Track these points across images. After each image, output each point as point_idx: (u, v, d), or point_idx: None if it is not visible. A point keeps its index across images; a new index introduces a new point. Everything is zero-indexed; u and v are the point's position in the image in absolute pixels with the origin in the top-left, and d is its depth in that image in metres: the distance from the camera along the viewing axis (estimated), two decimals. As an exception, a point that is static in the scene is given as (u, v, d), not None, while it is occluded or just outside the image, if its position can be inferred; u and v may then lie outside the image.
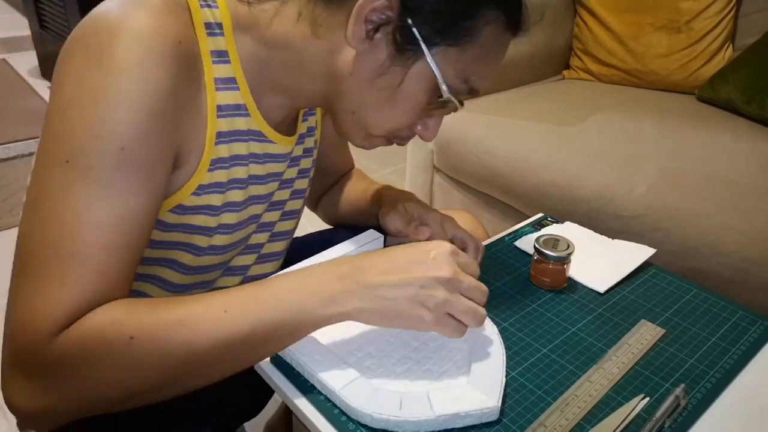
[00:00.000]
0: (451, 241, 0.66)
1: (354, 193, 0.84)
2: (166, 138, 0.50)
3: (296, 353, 0.54)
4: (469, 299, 0.52)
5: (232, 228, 0.62)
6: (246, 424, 0.86)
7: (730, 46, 1.54)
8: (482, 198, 1.47)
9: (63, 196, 0.47)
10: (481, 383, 0.52)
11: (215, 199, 0.58)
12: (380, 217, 0.72)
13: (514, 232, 0.81)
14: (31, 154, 2.16)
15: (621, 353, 0.59)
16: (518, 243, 0.77)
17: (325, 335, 0.57)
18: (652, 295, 0.68)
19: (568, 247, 0.67)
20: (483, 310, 0.52)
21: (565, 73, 1.77)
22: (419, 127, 0.61)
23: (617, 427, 0.51)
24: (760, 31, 1.46)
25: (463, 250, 0.67)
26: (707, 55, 1.52)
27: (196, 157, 0.55)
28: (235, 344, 0.48)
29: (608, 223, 1.15)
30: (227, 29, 0.55)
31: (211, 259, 0.63)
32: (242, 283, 0.67)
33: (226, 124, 0.56)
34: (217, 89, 0.55)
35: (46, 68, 2.77)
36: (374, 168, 2.33)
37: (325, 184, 0.88)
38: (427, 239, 0.67)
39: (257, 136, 0.60)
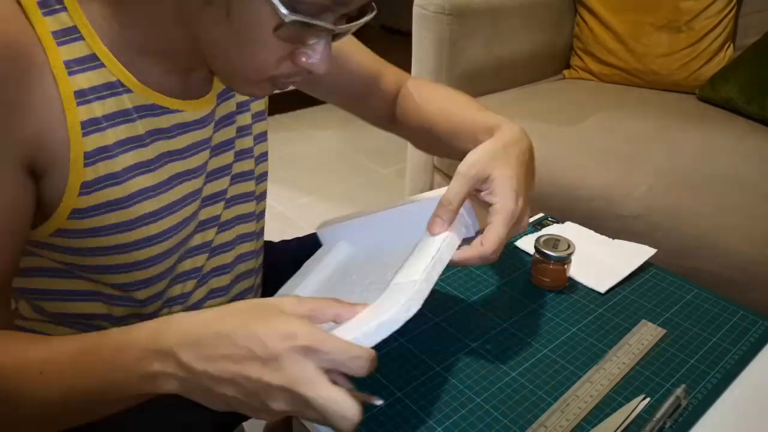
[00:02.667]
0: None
1: (439, 113, 0.70)
2: None
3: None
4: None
5: (157, 215, 0.56)
6: (244, 424, 0.86)
7: (731, 45, 1.54)
8: (482, 198, 1.46)
9: None
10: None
11: (115, 192, 0.52)
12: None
13: (514, 232, 0.81)
14: None
15: (621, 354, 0.59)
16: (518, 243, 0.77)
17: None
18: (653, 296, 0.68)
19: (569, 247, 0.67)
20: (346, 417, 0.40)
21: (566, 72, 1.77)
22: (302, 59, 0.50)
23: (618, 428, 0.51)
24: (760, 31, 1.46)
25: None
26: (708, 55, 1.52)
27: (63, 158, 0.49)
28: (54, 407, 0.46)
29: (608, 223, 1.15)
30: (69, 1, 0.48)
31: (149, 272, 0.58)
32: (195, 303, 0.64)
33: (97, 109, 0.50)
34: (71, 73, 0.48)
35: None
36: (374, 168, 2.33)
37: (381, 102, 0.78)
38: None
39: (152, 110, 0.54)
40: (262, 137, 0.68)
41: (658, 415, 0.51)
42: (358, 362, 0.41)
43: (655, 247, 0.74)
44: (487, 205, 0.57)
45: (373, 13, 0.51)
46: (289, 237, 0.89)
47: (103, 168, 0.51)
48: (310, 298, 0.47)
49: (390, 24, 4.09)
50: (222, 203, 0.64)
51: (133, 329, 0.45)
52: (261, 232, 0.73)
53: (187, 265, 0.62)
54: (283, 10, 0.44)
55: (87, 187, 0.50)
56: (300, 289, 0.63)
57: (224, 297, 0.67)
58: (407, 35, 1.54)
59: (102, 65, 0.50)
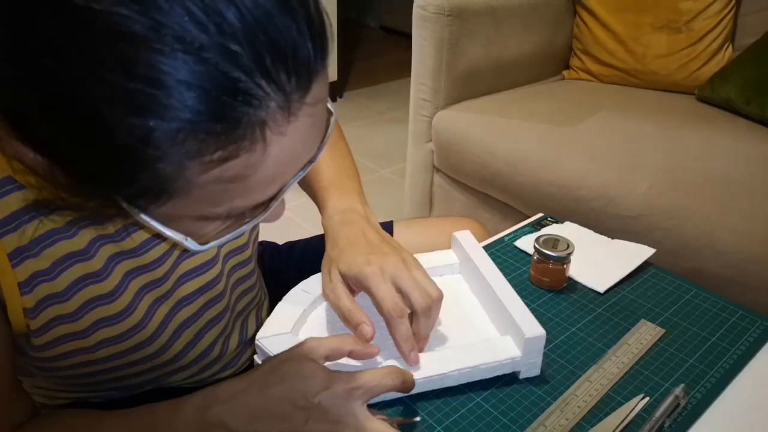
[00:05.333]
0: (399, 291, 0.54)
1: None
2: None
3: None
4: None
5: (114, 319, 0.52)
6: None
7: (730, 46, 1.54)
8: (482, 198, 1.47)
9: None
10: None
11: (63, 308, 0.49)
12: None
13: (514, 232, 0.81)
14: None
15: (621, 353, 0.59)
16: (518, 243, 0.78)
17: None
18: (652, 295, 0.68)
19: (568, 247, 0.67)
20: None
21: (565, 73, 1.77)
22: (245, 228, 0.42)
23: (617, 427, 0.51)
24: (760, 31, 1.46)
25: (409, 306, 0.54)
26: (707, 55, 1.52)
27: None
28: None
29: (608, 223, 1.15)
30: None
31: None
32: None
33: (24, 234, 0.45)
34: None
35: None
36: (374, 168, 2.33)
37: None
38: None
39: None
40: None
41: (657, 414, 0.51)
42: (390, 378, 0.47)
43: (654, 247, 0.74)
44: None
45: None
46: (290, 237, 0.89)
47: (43, 290, 0.48)
48: (327, 337, 0.51)
49: (390, 24, 4.09)
50: (215, 267, 0.60)
51: (181, 405, 0.47)
52: (254, 257, 0.69)
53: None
54: (198, 248, 0.39)
55: (30, 313, 0.47)
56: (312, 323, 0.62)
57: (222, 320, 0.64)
58: (407, 35, 1.54)
59: (21, 187, 0.44)
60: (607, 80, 1.66)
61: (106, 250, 0.51)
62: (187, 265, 0.57)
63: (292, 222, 1.92)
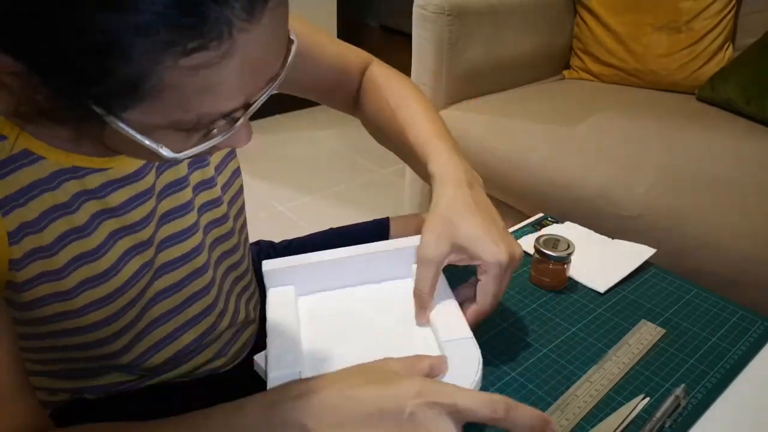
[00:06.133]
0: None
1: (387, 125, 0.69)
2: None
3: (273, 329, 0.53)
4: None
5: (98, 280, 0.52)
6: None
7: (730, 46, 1.54)
8: (482, 198, 1.47)
9: None
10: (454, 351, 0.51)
11: (49, 264, 0.49)
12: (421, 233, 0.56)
13: (514, 232, 0.81)
14: None
15: (621, 353, 0.59)
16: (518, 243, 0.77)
17: (315, 323, 0.57)
18: (652, 295, 0.68)
19: (568, 247, 0.67)
20: None
21: (566, 73, 1.77)
22: (218, 143, 0.42)
23: (617, 427, 0.51)
24: (760, 31, 1.46)
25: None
26: (707, 55, 1.52)
27: None
28: None
29: (608, 223, 1.15)
30: None
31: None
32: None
33: (9, 185, 0.46)
34: None
35: None
36: (374, 168, 2.33)
37: (348, 91, 0.74)
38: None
39: (71, 173, 0.49)
40: (229, 157, 0.65)
41: (658, 414, 0.51)
42: (490, 406, 0.40)
43: (655, 247, 0.74)
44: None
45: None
46: (288, 237, 0.89)
47: (30, 242, 0.47)
48: (406, 357, 0.47)
49: (390, 24, 4.09)
50: (196, 235, 0.60)
51: (241, 407, 0.43)
52: (243, 238, 0.69)
53: (156, 312, 0.59)
54: (172, 155, 0.40)
55: (15, 264, 0.47)
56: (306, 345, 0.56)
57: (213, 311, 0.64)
58: (407, 35, 1.54)
59: (3, 137, 0.45)
60: (608, 80, 1.66)
61: (90, 206, 0.51)
62: (168, 229, 0.58)
63: (290, 221, 1.92)
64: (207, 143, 0.41)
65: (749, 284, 0.99)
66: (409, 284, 0.58)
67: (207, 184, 0.62)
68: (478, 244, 0.52)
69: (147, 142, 0.38)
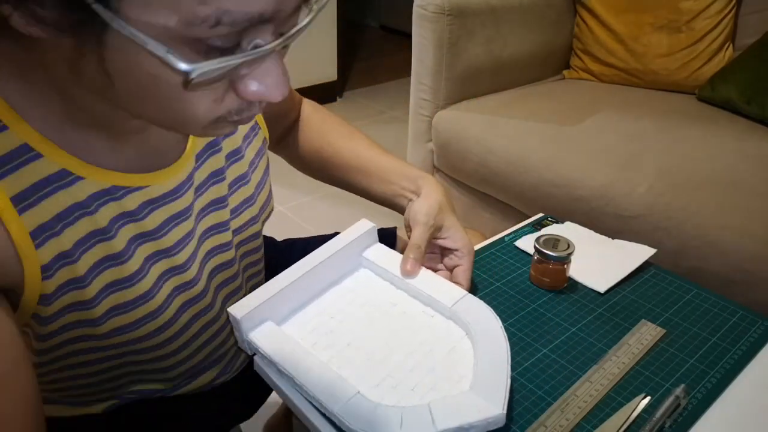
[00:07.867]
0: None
1: (347, 156, 0.74)
2: None
3: (285, 365, 0.50)
4: None
5: (146, 298, 0.50)
6: (241, 425, 0.86)
7: (730, 46, 1.54)
8: (482, 198, 1.47)
9: None
10: (484, 389, 0.49)
11: (81, 294, 0.46)
12: (409, 213, 0.65)
13: (514, 232, 0.81)
14: None
15: (621, 353, 0.59)
16: (518, 243, 0.77)
17: (312, 340, 0.55)
18: (653, 295, 0.68)
19: (568, 247, 0.67)
20: None
21: (566, 72, 1.77)
22: (249, 89, 0.38)
23: (618, 428, 0.51)
24: (760, 31, 1.46)
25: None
26: (707, 55, 1.52)
27: (14, 273, 0.41)
28: None
29: (608, 223, 1.15)
30: None
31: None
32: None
33: (46, 210, 0.42)
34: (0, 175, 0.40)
35: None
36: (374, 168, 2.32)
37: (285, 124, 0.77)
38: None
39: (110, 194, 0.46)
40: (265, 173, 0.66)
41: (658, 414, 0.51)
42: None
43: (655, 247, 0.74)
44: (438, 247, 0.66)
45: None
46: (289, 237, 0.89)
47: (65, 274, 0.44)
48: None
49: (390, 24, 4.09)
50: (229, 251, 0.61)
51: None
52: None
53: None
54: (184, 66, 0.33)
55: (46, 299, 0.44)
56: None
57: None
58: (407, 35, 1.54)
59: (39, 155, 0.41)
60: (608, 80, 1.66)
61: (128, 230, 0.48)
62: (206, 246, 0.58)
63: (292, 222, 1.92)
64: (229, 59, 0.34)
65: (749, 284, 0.99)
66: (368, 274, 0.64)
67: (247, 202, 0.63)
68: (458, 233, 0.64)
69: (151, 46, 0.32)
